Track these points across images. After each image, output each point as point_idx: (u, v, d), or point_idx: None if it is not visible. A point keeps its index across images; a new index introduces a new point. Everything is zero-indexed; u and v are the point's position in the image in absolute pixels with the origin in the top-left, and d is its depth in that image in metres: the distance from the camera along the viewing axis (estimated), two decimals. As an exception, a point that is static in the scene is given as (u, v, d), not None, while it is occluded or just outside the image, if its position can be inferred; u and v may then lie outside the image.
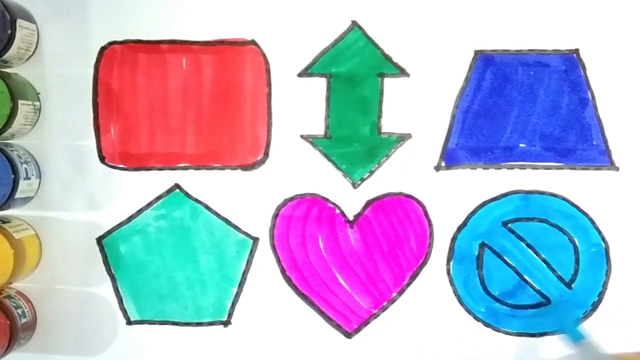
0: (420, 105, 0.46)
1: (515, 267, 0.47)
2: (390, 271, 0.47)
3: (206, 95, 0.47)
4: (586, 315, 0.47)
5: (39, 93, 0.47)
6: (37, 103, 0.46)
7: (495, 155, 0.46)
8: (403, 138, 0.47)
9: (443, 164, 0.47)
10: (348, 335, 0.48)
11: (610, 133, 0.46)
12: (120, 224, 0.48)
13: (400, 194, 0.47)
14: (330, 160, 0.47)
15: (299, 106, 0.47)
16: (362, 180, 0.47)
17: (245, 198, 0.47)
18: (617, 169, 0.46)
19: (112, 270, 0.48)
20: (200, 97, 0.47)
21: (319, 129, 0.47)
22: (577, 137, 0.46)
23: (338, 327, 0.48)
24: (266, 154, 0.47)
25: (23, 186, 0.45)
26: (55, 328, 0.48)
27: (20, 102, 0.44)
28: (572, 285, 0.46)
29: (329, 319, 0.48)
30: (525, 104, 0.46)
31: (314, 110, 0.47)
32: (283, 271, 0.48)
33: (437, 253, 0.47)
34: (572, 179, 0.46)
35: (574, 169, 0.46)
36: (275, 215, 0.47)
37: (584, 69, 0.46)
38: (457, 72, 0.46)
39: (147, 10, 0.46)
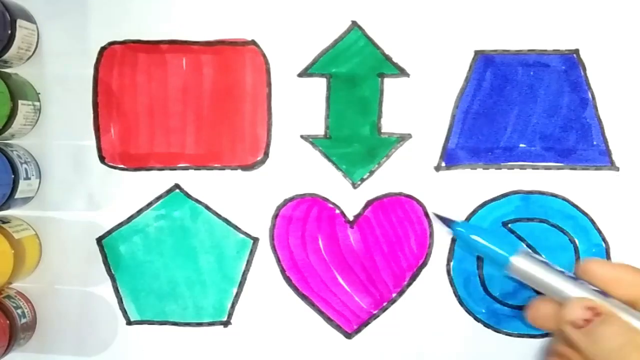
0: (420, 105, 0.46)
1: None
2: (390, 271, 0.47)
3: (206, 95, 0.47)
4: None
5: (39, 93, 0.47)
6: (37, 103, 0.47)
7: (495, 155, 0.46)
8: (403, 138, 0.47)
9: (443, 164, 0.46)
10: (348, 335, 0.48)
11: (610, 133, 0.46)
12: (120, 224, 0.48)
13: (400, 194, 0.47)
14: (330, 160, 0.47)
15: (299, 106, 0.47)
16: (362, 180, 0.47)
17: (245, 198, 0.47)
18: (617, 169, 0.46)
19: (112, 270, 0.48)
20: (200, 97, 0.47)
21: (319, 129, 0.47)
22: (577, 138, 0.46)
23: (338, 328, 0.48)
24: (266, 154, 0.47)
25: (23, 186, 0.45)
26: (55, 328, 0.48)
27: (20, 102, 0.44)
28: (573, 286, 0.46)
29: (329, 319, 0.48)
30: (525, 104, 0.46)
31: (314, 110, 0.47)
32: (283, 271, 0.47)
33: (438, 253, 0.47)
34: (573, 179, 0.46)
35: (574, 169, 0.46)
36: (275, 216, 0.47)
37: (584, 69, 0.46)
38: (457, 72, 0.46)
39: (147, 10, 0.46)
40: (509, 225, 0.46)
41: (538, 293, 0.45)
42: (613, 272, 0.36)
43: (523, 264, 0.37)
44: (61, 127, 0.47)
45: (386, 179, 0.47)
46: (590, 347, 0.33)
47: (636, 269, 0.36)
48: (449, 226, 0.40)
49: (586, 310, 0.34)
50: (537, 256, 0.38)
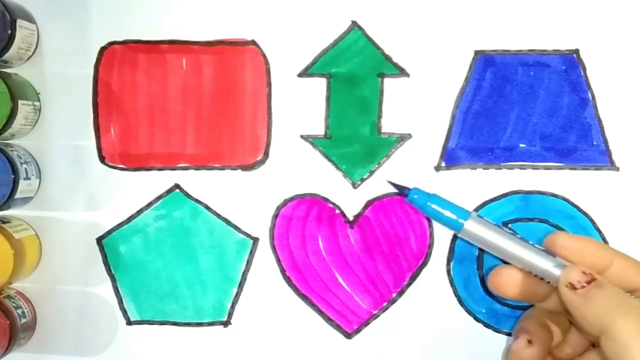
0: (420, 105, 0.46)
1: (515, 268, 0.47)
2: (390, 271, 0.47)
3: (206, 95, 0.47)
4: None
5: (39, 93, 0.47)
6: (37, 103, 0.47)
7: (495, 155, 0.46)
8: (403, 138, 0.47)
9: (443, 164, 0.46)
10: (348, 335, 0.48)
11: (610, 133, 0.46)
12: (120, 224, 0.48)
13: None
14: (330, 160, 0.47)
15: (299, 106, 0.47)
16: (362, 180, 0.47)
17: (245, 198, 0.47)
18: (617, 169, 0.46)
19: (112, 270, 0.48)
20: (200, 97, 0.47)
21: (319, 129, 0.47)
22: (577, 138, 0.46)
23: (338, 328, 0.48)
24: (266, 154, 0.47)
25: (23, 186, 0.45)
26: (55, 328, 0.48)
27: (20, 102, 0.44)
28: (573, 286, 0.46)
29: (329, 320, 0.48)
30: (525, 104, 0.46)
31: (314, 110, 0.47)
32: (283, 271, 0.47)
33: (438, 253, 0.47)
34: (573, 179, 0.46)
35: (574, 169, 0.46)
36: (275, 216, 0.47)
37: (584, 69, 0.46)
38: (457, 72, 0.46)
39: (147, 10, 0.46)
40: (509, 225, 0.46)
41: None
42: (577, 243, 0.38)
43: (476, 228, 0.39)
44: (61, 127, 0.47)
45: (386, 179, 0.47)
46: (583, 308, 0.34)
47: (599, 243, 0.39)
48: (404, 194, 0.40)
49: (583, 274, 0.36)
50: (489, 221, 0.39)
